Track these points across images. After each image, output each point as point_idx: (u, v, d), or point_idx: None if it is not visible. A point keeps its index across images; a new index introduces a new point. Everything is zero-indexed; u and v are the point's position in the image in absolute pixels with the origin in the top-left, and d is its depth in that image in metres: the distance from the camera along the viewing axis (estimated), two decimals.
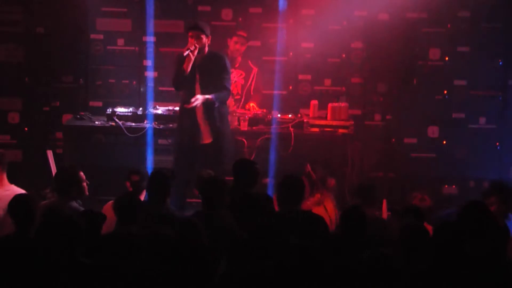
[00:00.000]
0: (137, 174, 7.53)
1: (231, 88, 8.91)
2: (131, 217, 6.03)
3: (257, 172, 7.15)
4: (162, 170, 6.96)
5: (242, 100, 9.63)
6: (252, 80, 9.62)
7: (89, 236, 5.49)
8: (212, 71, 8.40)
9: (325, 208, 7.83)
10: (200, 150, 8.47)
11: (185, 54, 8.25)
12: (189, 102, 8.31)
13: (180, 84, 8.47)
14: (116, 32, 10.33)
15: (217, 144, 8.46)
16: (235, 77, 9.54)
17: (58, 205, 6.64)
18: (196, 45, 8.27)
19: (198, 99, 8.30)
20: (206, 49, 8.44)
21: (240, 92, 9.63)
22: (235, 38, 9.59)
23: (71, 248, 5.22)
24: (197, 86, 8.41)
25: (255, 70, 9.66)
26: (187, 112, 8.43)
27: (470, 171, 10.11)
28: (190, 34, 8.38)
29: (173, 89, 8.82)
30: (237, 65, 9.58)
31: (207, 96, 8.32)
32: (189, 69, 8.30)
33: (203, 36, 8.34)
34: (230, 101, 9.18)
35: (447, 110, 10.22)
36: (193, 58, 8.27)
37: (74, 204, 6.75)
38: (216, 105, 8.36)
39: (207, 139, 8.47)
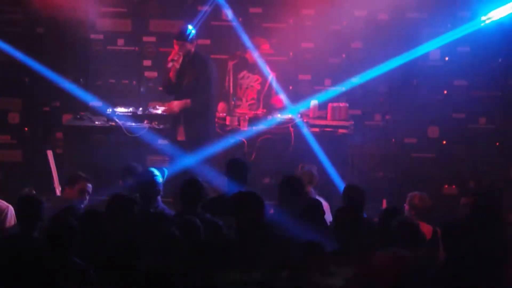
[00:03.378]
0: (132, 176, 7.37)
1: (244, 92, 9.32)
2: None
3: (248, 170, 7.17)
4: (152, 169, 6.97)
5: (260, 105, 9.57)
6: (268, 86, 9.56)
7: (91, 235, 5.52)
8: (192, 74, 8.53)
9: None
10: (180, 147, 8.56)
11: (169, 66, 8.47)
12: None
13: (169, 90, 8.67)
14: (116, 32, 10.33)
15: (188, 146, 8.53)
16: (251, 82, 9.54)
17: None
18: (180, 53, 8.45)
19: (168, 109, 8.60)
20: (192, 53, 8.56)
21: (255, 97, 9.60)
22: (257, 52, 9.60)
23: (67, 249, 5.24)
24: (180, 89, 8.58)
25: (272, 75, 9.63)
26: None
27: (470, 171, 10.11)
28: (174, 42, 8.52)
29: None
30: (256, 70, 9.56)
31: (177, 104, 8.52)
32: (175, 78, 8.45)
33: (188, 44, 8.46)
34: (245, 106, 9.31)
35: (447, 110, 10.22)
36: (178, 66, 8.45)
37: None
38: (197, 109, 8.52)
39: (180, 136, 8.55)
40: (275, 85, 9.50)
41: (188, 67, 8.52)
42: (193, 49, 8.53)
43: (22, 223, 5.88)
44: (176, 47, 8.48)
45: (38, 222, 5.82)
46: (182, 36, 8.47)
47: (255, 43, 9.55)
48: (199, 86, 8.51)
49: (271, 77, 9.51)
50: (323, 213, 6.53)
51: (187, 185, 6.63)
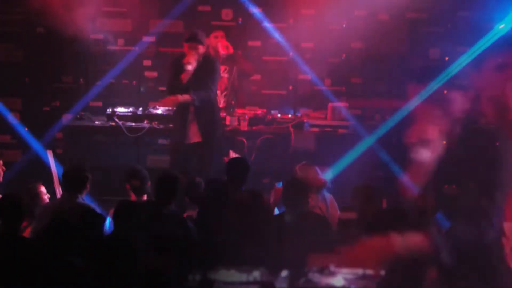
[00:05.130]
0: (137, 179, 7.26)
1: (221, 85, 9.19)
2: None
3: (248, 170, 7.16)
4: (172, 172, 6.92)
5: (228, 90, 9.60)
6: (234, 72, 9.62)
7: (90, 236, 5.51)
8: (202, 74, 8.48)
9: (320, 209, 7.81)
10: (190, 150, 8.51)
11: (188, 68, 8.36)
12: (182, 104, 8.44)
13: (175, 92, 8.54)
14: (116, 32, 10.33)
15: (204, 146, 8.50)
16: (221, 73, 9.54)
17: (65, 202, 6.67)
18: (195, 57, 8.37)
19: (170, 101, 8.45)
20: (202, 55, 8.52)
21: (228, 87, 9.62)
22: (214, 33, 9.58)
23: (66, 248, 5.25)
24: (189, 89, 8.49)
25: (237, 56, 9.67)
26: (179, 113, 8.55)
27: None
28: (188, 45, 8.44)
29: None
30: (220, 60, 9.55)
31: (181, 97, 8.39)
32: (186, 80, 8.37)
33: (201, 47, 8.42)
34: (221, 99, 9.30)
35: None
36: (192, 71, 8.37)
37: (81, 200, 6.74)
38: (196, 104, 8.40)
39: (194, 138, 8.49)
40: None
41: (199, 69, 8.49)
42: (204, 51, 8.51)
43: (5, 222, 5.84)
44: (191, 51, 8.42)
45: (20, 221, 5.82)
46: (197, 39, 8.45)
47: (213, 34, 9.55)
48: (203, 83, 8.48)
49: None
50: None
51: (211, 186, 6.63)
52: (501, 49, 9.61)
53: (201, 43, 8.44)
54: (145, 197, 7.27)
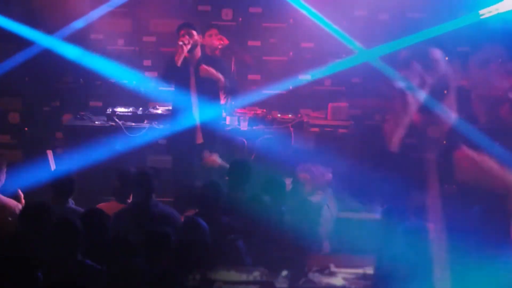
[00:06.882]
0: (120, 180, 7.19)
1: None
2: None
3: (250, 172, 7.16)
4: (145, 169, 6.89)
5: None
6: (233, 66, 9.63)
7: (95, 236, 5.53)
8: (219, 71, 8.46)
9: (328, 206, 7.82)
10: (196, 150, 8.50)
11: (181, 46, 8.28)
12: (183, 103, 8.42)
13: (171, 77, 8.49)
14: (116, 32, 10.33)
15: (206, 148, 8.48)
16: None
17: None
18: (190, 40, 8.31)
19: (211, 161, 8.39)
20: (199, 51, 8.48)
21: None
22: (208, 32, 9.58)
23: (70, 247, 5.25)
24: (193, 89, 8.43)
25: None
26: (182, 112, 8.50)
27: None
28: (181, 32, 8.39)
29: (172, 88, 8.83)
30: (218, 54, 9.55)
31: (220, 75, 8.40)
32: (180, 62, 8.32)
33: (194, 32, 8.39)
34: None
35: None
36: (185, 52, 8.32)
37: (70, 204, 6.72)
38: (227, 86, 8.50)
39: (200, 139, 8.49)
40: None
41: (213, 66, 8.47)
42: (200, 41, 8.47)
43: (27, 228, 5.84)
44: (185, 36, 8.35)
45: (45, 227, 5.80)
46: (189, 24, 8.41)
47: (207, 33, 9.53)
48: (231, 84, 8.54)
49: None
50: None
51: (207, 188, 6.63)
52: (484, 45, 9.63)
53: (195, 29, 8.41)
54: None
